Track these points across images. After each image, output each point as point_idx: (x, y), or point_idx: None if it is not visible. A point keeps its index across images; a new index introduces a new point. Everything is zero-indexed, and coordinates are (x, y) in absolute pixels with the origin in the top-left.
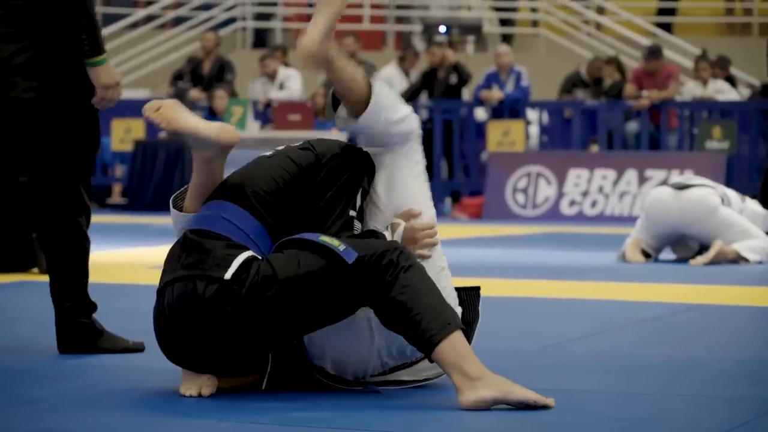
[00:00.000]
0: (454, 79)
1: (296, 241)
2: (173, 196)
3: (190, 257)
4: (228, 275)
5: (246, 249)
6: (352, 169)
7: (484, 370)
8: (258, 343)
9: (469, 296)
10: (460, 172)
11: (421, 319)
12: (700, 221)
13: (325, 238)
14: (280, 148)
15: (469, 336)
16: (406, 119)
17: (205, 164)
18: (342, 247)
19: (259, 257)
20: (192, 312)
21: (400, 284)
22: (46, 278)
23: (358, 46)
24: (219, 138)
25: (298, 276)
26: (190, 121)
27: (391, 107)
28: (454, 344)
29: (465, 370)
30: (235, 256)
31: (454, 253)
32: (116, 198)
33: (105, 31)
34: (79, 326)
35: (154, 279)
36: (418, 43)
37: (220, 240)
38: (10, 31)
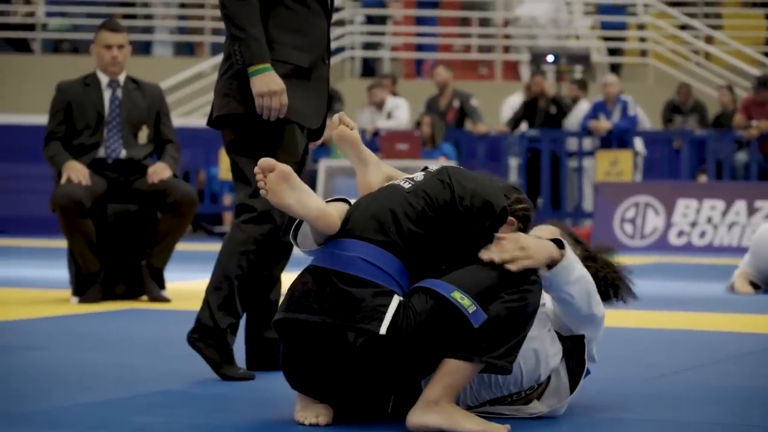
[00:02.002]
0: (553, 109)
1: (429, 293)
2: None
3: (337, 305)
4: (383, 330)
5: (393, 294)
6: (487, 221)
7: (446, 398)
8: (389, 383)
9: (574, 345)
10: (567, 202)
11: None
12: None
13: (457, 295)
14: (415, 176)
15: (574, 384)
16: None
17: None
18: (471, 310)
19: (404, 301)
20: (338, 358)
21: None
22: (154, 306)
23: (451, 76)
24: (316, 224)
25: (429, 332)
26: (291, 200)
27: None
28: (454, 369)
29: (433, 389)
30: (386, 306)
31: None
32: (226, 227)
33: (214, 60)
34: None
35: None
36: (525, 72)
37: (368, 288)
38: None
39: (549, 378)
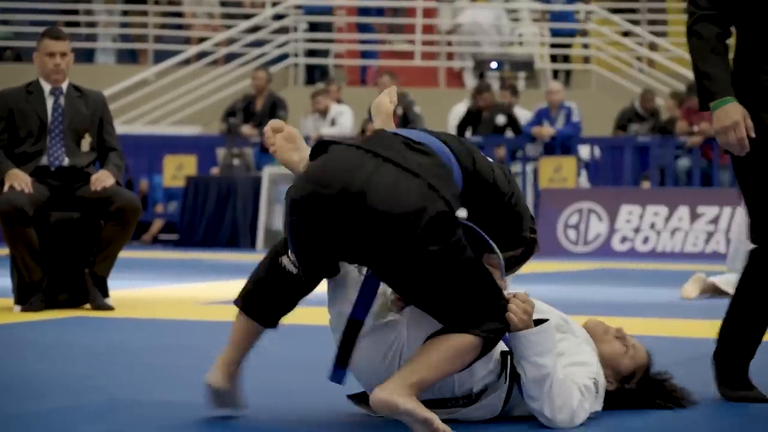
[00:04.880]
0: (501, 119)
1: (477, 236)
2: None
3: (433, 169)
4: (463, 214)
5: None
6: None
7: (419, 390)
8: (398, 271)
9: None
10: None
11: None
12: None
13: (498, 252)
14: None
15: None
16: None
17: None
18: (502, 261)
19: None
20: (406, 216)
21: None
22: (98, 314)
23: (396, 82)
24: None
25: (469, 263)
26: (294, 157)
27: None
28: (444, 358)
29: (412, 375)
30: (460, 207)
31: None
32: (149, 236)
33: (156, 68)
34: None
35: (207, 314)
36: (469, 80)
37: (454, 182)
38: None
39: (484, 391)
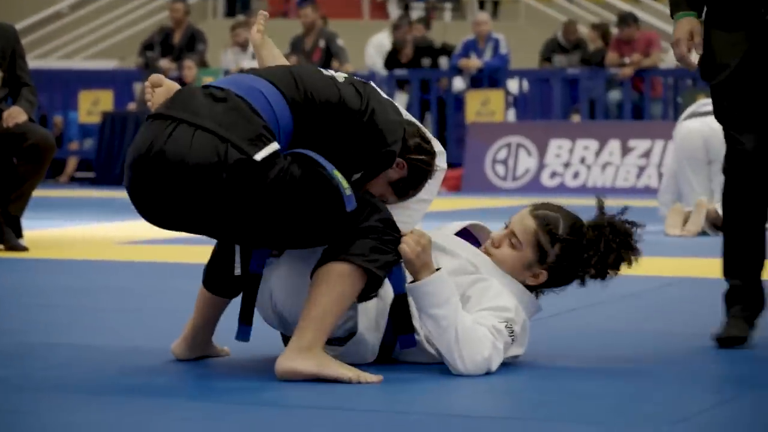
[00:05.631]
0: (426, 61)
1: (312, 162)
2: None
3: (225, 116)
4: (259, 157)
5: (274, 140)
6: (374, 149)
7: (319, 343)
8: (235, 228)
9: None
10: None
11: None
12: None
13: (338, 174)
14: (336, 74)
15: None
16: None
17: None
18: (348, 192)
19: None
20: (202, 168)
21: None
22: (11, 255)
23: (318, 16)
24: None
25: (300, 195)
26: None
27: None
28: (325, 306)
29: (304, 334)
30: (270, 142)
31: (432, 227)
32: (66, 177)
33: (72, 0)
34: None
35: (124, 254)
36: (393, 11)
37: (259, 119)
38: None
39: (349, 337)
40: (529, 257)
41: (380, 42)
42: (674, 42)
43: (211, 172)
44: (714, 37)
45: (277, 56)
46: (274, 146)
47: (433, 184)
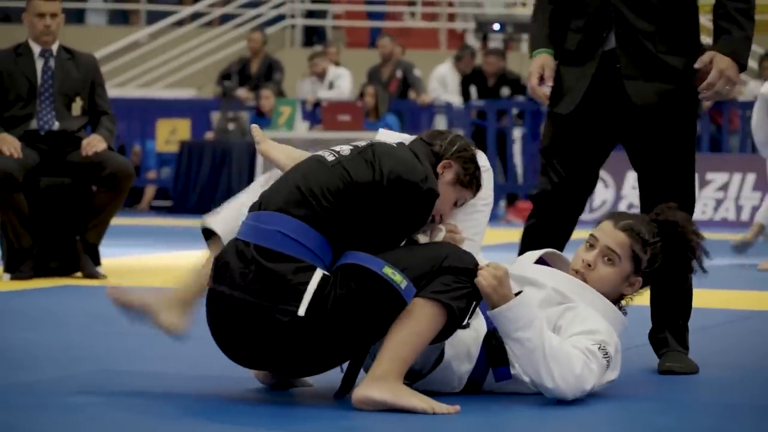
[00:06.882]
0: (506, 91)
1: (359, 270)
2: None
3: (257, 282)
4: (301, 311)
5: (315, 269)
6: (405, 198)
7: (395, 373)
8: (321, 361)
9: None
10: (516, 174)
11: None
12: None
13: (388, 270)
14: (338, 149)
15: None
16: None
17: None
18: (404, 285)
19: (328, 275)
20: (263, 335)
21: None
22: (89, 282)
23: (395, 45)
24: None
25: (357, 308)
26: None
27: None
28: (403, 338)
29: (380, 364)
30: (307, 283)
31: (506, 258)
32: (145, 205)
33: (150, 29)
34: None
35: None
36: (472, 41)
37: (289, 263)
38: None
39: (440, 360)
40: (627, 269)
41: (441, 74)
42: (528, 76)
43: (279, 338)
44: (562, 71)
45: (288, 152)
46: (318, 275)
47: (486, 184)
